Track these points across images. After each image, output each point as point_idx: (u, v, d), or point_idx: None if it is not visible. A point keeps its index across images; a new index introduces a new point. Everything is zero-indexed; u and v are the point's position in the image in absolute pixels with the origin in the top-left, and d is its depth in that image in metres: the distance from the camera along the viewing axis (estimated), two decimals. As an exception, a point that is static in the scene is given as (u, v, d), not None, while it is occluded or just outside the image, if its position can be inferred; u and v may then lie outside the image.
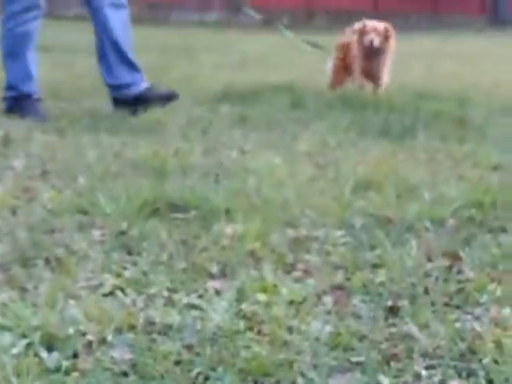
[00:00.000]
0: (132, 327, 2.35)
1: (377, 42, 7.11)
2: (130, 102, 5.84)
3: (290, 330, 2.38)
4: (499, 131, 5.89)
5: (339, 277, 2.85)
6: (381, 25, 7.31)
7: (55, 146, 4.77)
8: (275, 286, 2.71)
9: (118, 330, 2.32)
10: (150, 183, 3.94)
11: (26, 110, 5.80)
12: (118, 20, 5.56)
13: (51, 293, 2.58)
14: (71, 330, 2.28)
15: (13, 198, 3.65)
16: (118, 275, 2.79)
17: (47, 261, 2.90)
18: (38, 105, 6.06)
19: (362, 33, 7.23)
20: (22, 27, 5.62)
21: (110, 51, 5.70)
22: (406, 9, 28.07)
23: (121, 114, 6.05)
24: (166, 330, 2.35)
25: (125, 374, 2.06)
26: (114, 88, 6.06)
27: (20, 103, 5.93)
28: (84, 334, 2.27)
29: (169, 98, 5.83)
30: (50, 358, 2.13)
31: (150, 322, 2.39)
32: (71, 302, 2.51)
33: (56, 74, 6.66)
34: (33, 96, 5.99)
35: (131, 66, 5.85)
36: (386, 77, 7.73)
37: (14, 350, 2.16)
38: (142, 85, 5.95)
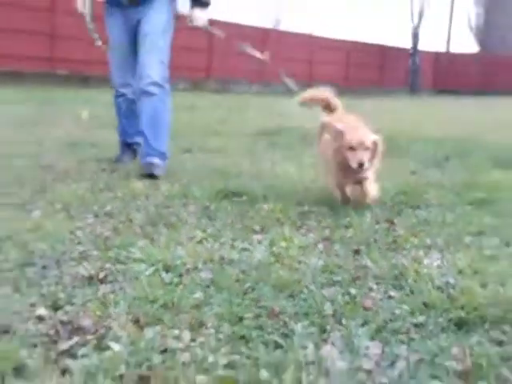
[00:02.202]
0: (211, 260, 2.37)
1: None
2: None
3: (299, 262, 2.39)
4: (414, 151, 5.85)
5: (327, 233, 2.85)
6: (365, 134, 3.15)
7: (175, 164, 4.76)
8: (291, 237, 2.71)
9: (204, 262, 2.34)
10: (221, 181, 3.96)
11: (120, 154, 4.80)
12: (146, 108, 4.23)
13: (167, 241, 2.60)
14: (178, 262, 2.30)
15: (146, 189, 3.68)
16: (204, 231, 2.80)
17: (165, 224, 2.92)
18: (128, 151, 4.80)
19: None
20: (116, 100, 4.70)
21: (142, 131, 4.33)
22: (360, 84, 27.88)
23: (204, 141, 6.10)
24: (230, 262, 2.37)
25: (207, 286, 2.08)
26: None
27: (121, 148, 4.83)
28: (185, 264, 2.29)
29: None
30: (167, 277, 2.15)
31: (221, 258, 2.41)
32: (178, 246, 2.53)
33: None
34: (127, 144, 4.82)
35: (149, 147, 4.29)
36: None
37: (147, 273, 2.19)
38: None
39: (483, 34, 45.37)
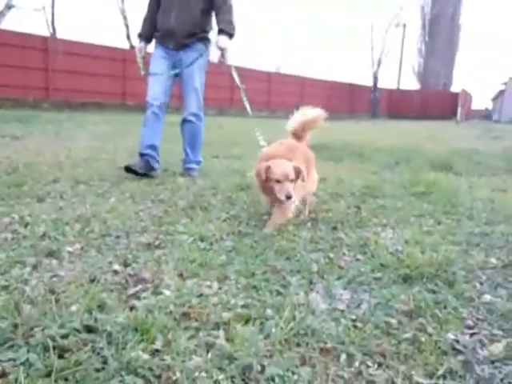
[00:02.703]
0: (233, 233, 2.35)
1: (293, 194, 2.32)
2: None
3: (294, 235, 2.37)
4: (374, 157, 5.79)
5: (313, 215, 2.82)
6: (289, 167, 2.35)
7: (206, 167, 4.73)
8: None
9: (227, 234, 2.32)
10: (239, 178, 3.93)
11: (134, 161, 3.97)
12: (187, 131, 4.14)
13: (202, 219, 2.58)
14: (210, 234, 2.29)
15: (187, 183, 3.66)
16: (227, 213, 2.77)
17: (200, 207, 2.90)
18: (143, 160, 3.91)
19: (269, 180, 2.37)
20: None
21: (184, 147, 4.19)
22: (337, 111, 27.62)
23: (227, 150, 6.07)
24: (246, 234, 2.34)
25: (230, 251, 2.07)
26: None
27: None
28: (214, 235, 2.27)
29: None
30: (202, 244, 2.15)
31: (240, 231, 2.39)
32: (209, 223, 2.51)
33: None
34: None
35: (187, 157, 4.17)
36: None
37: (188, 241, 2.17)
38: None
39: (422, 76, 45.34)
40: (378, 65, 33.99)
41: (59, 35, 18.88)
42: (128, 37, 23.86)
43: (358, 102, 30.83)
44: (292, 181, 2.35)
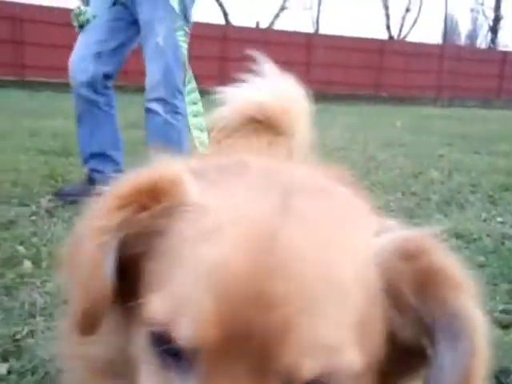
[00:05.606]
0: (494, 235, 2.18)
1: None
2: None
3: None
4: None
5: None
6: None
7: (466, 162, 4.41)
8: None
9: (488, 235, 2.17)
10: (504, 177, 3.57)
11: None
12: (150, 130, 2.42)
13: (458, 217, 2.47)
14: (467, 232, 2.17)
15: (442, 178, 3.52)
16: (488, 213, 2.58)
17: (456, 203, 2.77)
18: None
19: None
20: None
21: None
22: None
23: (493, 146, 5.49)
24: (509, 237, 2.15)
25: (490, 253, 1.94)
26: None
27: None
28: (472, 234, 2.15)
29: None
30: (457, 242, 2.07)
31: (503, 233, 2.20)
32: (467, 222, 2.37)
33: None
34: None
35: None
36: None
37: (455, 244, 2.12)
38: None
39: None
40: None
41: (321, 31, 20.26)
42: (388, 27, 24.06)
43: None
44: None
